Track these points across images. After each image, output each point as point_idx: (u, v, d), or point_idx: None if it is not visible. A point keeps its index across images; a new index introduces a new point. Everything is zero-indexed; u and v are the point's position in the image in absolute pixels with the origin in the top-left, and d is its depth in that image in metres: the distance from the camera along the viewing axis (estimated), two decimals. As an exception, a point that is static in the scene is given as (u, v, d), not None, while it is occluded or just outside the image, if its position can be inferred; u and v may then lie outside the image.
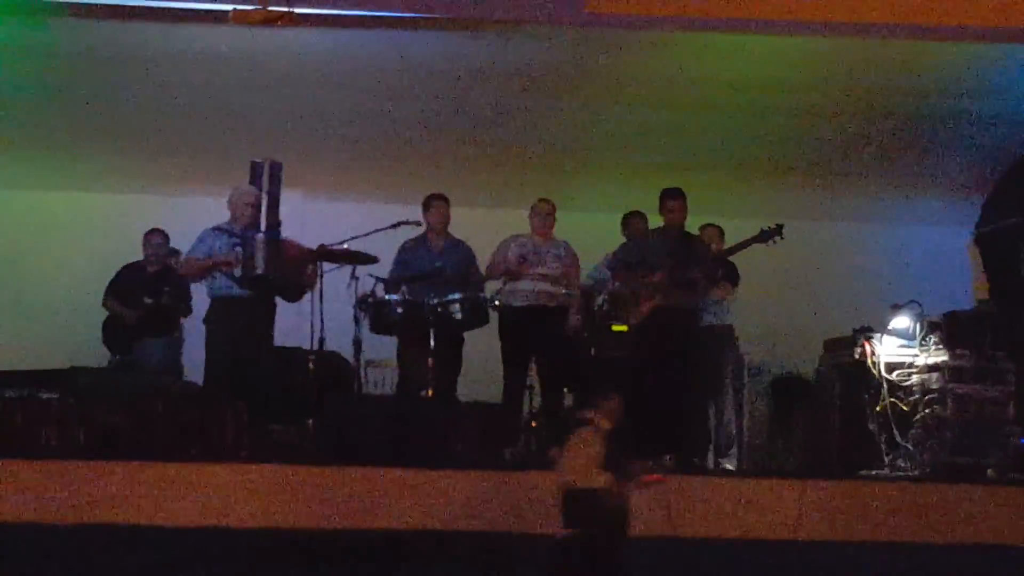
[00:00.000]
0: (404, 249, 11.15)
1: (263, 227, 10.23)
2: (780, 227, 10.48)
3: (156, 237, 12.05)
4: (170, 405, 9.55)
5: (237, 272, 10.26)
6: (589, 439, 7.79)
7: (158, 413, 9.39)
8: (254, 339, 10.32)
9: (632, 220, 11.73)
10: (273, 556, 8.47)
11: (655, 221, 11.20)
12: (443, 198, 11.16)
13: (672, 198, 10.61)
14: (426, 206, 11.16)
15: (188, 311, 11.88)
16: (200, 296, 11.09)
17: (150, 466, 8.64)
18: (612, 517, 7.59)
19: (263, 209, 10.26)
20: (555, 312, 10.87)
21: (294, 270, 10.42)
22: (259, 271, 10.17)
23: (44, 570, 8.17)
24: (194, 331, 11.40)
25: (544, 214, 11.07)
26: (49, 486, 8.47)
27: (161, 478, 8.60)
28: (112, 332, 11.96)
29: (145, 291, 11.83)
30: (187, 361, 11.85)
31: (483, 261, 11.23)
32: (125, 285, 11.98)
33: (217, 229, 10.57)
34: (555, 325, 10.82)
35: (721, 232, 11.42)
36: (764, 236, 10.50)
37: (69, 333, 12.66)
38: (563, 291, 10.96)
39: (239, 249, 10.24)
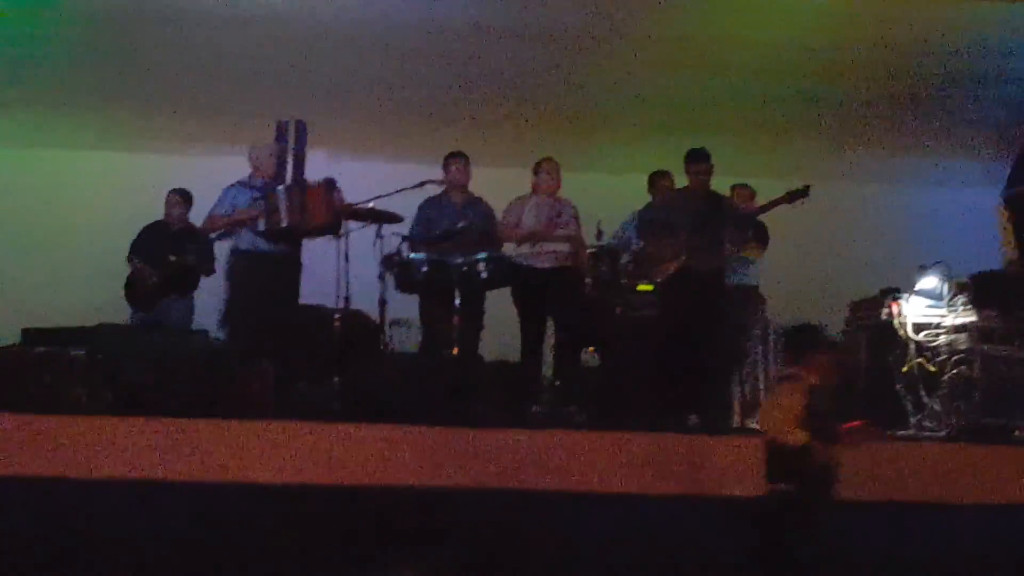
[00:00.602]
0: (425, 207, 11.12)
1: (288, 182, 10.26)
2: (807, 188, 10.43)
3: (178, 196, 12.07)
4: (197, 363, 9.58)
5: (261, 226, 10.28)
6: (790, 393, 7.43)
7: (185, 371, 9.41)
8: (279, 296, 10.36)
9: (658, 180, 11.69)
10: (297, 513, 8.48)
11: (681, 182, 11.17)
12: (462, 155, 11.14)
13: (698, 159, 10.58)
14: (446, 164, 11.13)
15: (212, 270, 11.90)
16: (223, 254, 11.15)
17: (176, 423, 8.65)
18: (814, 476, 7.27)
19: (288, 166, 10.29)
20: (573, 272, 10.86)
21: (316, 209, 10.41)
22: (283, 224, 10.19)
23: (72, 525, 8.19)
24: (208, 288, 11.53)
25: (554, 173, 11.04)
26: (77, 442, 8.49)
27: (187, 435, 8.61)
28: (135, 290, 11.99)
29: (169, 249, 11.85)
30: (202, 318, 11.91)
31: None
32: (149, 244, 12.00)
33: (238, 184, 10.60)
34: (574, 285, 10.81)
35: (752, 193, 11.39)
36: (791, 197, 10.46)
37: (94, 291, 12.70)
38: (570, 249, 10.93)
39: (261, 202, 10.26)
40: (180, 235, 11.97)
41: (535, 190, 11.06)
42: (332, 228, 10.57)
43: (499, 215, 11.10)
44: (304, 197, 10.36)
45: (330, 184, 10.53)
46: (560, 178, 11.06)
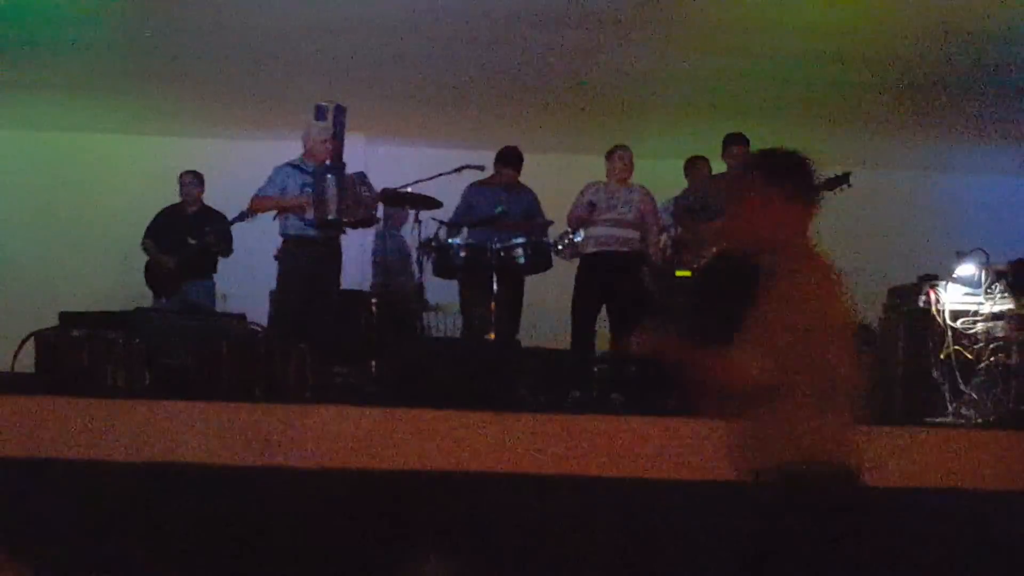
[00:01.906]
0: (469, 192, 11.16)
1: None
2: (847, 175, 10.38)
3: (192, 177, 12.10)
4: (234, 346, 9.60)
5: (309, 214, 10.34)
6: None
7: (223, 354, 9.44)
8: (321, 280, 10.42)
9: (696, 165, 11.69)
10: (333, 496, 8.50)
11: (717, 167, 11.15)
12: (515, 159, 11.19)
13: (735, 143, 10.56)
14: (497, 165, 11.18)
15: (230, 251, 11.94)
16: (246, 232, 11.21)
17: (215, 406, 8.68)
18: None
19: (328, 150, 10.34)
20: (627, 257, 10.84)
21: (356, 201, 10.48)
22: (331, 216, 10.25)
23: (111, 508, 8.22)
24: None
25: (619, 159, 11.04)
26: (115, 425, 8.52)
27: (226, 418, 8.64)
28: (155, 274, 12.03)
29: (187, 232, 11.89)
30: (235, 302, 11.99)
31: (550, 205, 11.23)
32: (166, 228, 12.06)
33: (290, 165, 10.63)
34: (627, 271, 10.79)
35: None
36: (831, 184, 10.40)
37: (125, 275, 12.77)
38: (635, 235, 10.90)
39: (309, 190, 10.32)
40: (197, 217, 12.01)
41: (608, 176, 11.06)
42: (367, 222, 10.65)
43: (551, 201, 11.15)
44: (352, 190, 10.42)
45: (360, 177, 10.58)
46: (627, 164, 11.04)
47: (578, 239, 10.73)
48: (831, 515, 4.71)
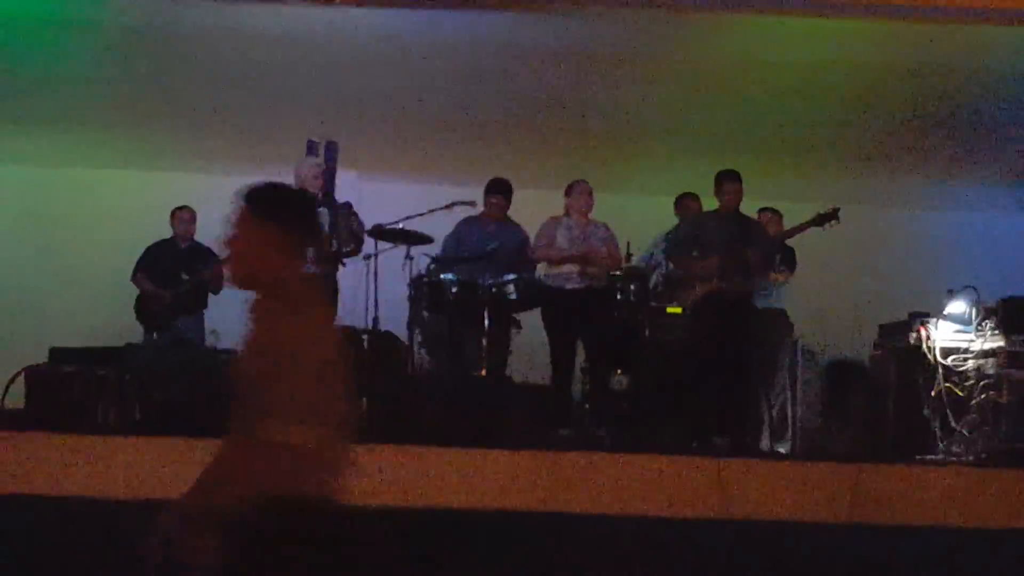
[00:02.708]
0: (460, 226, 11.17)
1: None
2: (836, 211, 10.43)
3: (186, 214, 12.11)
4: (225, 382, 9.57)
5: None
6: None
7: (214, 390, 9.42)
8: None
9: (685, 202, 11.70)
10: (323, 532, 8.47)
11: (708, 204, 11.16)
12: (503, 190, 11.18)
13: (728, 180, 10.54)
14: (487, 196, 11.18)
15: (220, 287, 11.96)
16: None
17: (205, 442, 8.64)
18: None
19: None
20: (603, 293, 10.84)
21: (352, 236, 10.53)
22: (333, 249, 10.27)
23: (102, 543, 8.19)
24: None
25: (587, 194, 11.01)
26: (106, 461, 8.50)
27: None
28: (146, 309, 12.01)
29: (180, 267, 11.90)
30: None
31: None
32: (158, 263, 12.04)
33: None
34: (604, 306, 10.79)
35: (780, 216, 11.38)
36: (820, 220, 10.45)
37: (118, 310, 12.75)
38: (614, 271, 10.91)
39: None
40: (190, 253, 12.01)
41: (568, 211, 11.04)
42: (356, 252, 10.66)
43: (530, 236, 11.12)
44: (344, 222, 10.44)
45: (348, 208, 10.60)
46: (593, 200, 11.03)
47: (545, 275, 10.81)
48: (300, 544, 4.66)
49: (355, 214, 10.66)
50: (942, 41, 10.71)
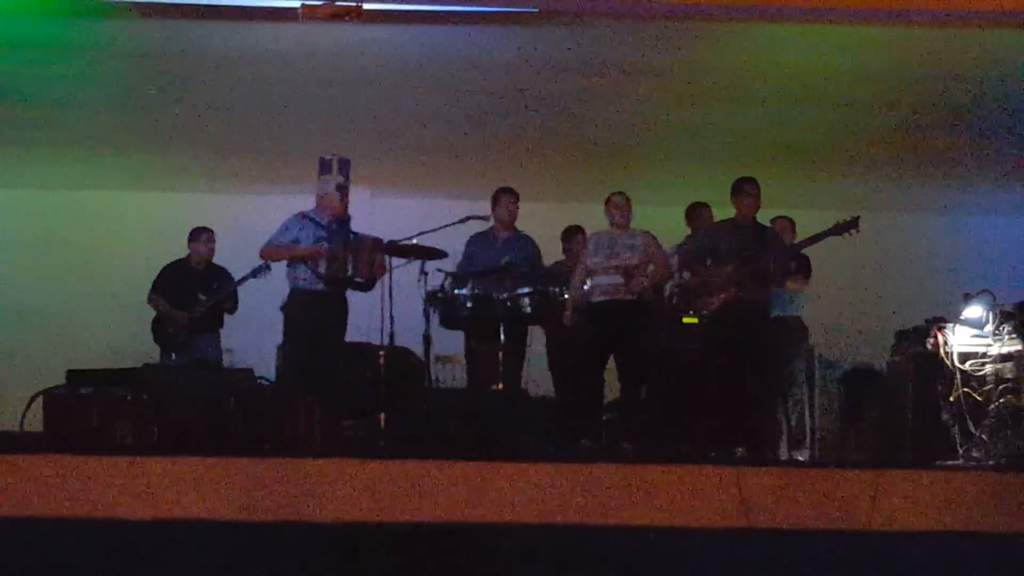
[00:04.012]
0: (471, 243, 11.18)
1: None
2: (856, 219, 10.37)
3: (205, 234, 12.12)
4: (242, 401, 9.60)
5: (321, 267, 10.37)
6: None
7: (231, 409, 9.45)
8: (329, 334, 10.43)
9: (697, 211, 11.67)
10: (343, 549, 8.49)
11: (719, 213, 11.15)
12: (512, 192, 11.17)
13: (747, 186, 10.48)
14: (495, 200, 11.18)
15: (235, 308, 11.99)
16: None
17: (224, 461, 8.67)
18: None
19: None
20: (631, 305, 10.75)
21: (369, 264, 10.54)
22: (344, 274, 10.31)
23: (120, 564, 8.21)
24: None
25: (615, 206, 10.94)
26: (124, 482, 8.51)
27: (235, 474, 8.62)
28: (162, 330, 12.04)
29: (197, 288, 11.93)
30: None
31: (552, 253, 11.23)
32: (174, 284, 12.05)
33: (303, 216, 10.67)
34: (631, 318, 10.72)
35: (793, 224, 11.36)
36: (840, 228, 10.40)
37: (129, 331, 12.80)
38: (643, 280, 10.78)
39: (325, 244, 10.37)
40: (205, 274, 12.03)
41: (609, 223, 10.97)
42: (366, 286, 10.69)
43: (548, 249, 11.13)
44: (367, 252, 10.48)
45: (378, 243, 10.63)
46: (626, 209, 10.92)
47: (585, 288, 10.73)
48: None
49: (380, 251, 10.66)
50: (959, 46, 10.68)
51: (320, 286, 10.51)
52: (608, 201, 10.93)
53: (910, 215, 14.99)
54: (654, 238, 10.96)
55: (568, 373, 11.12)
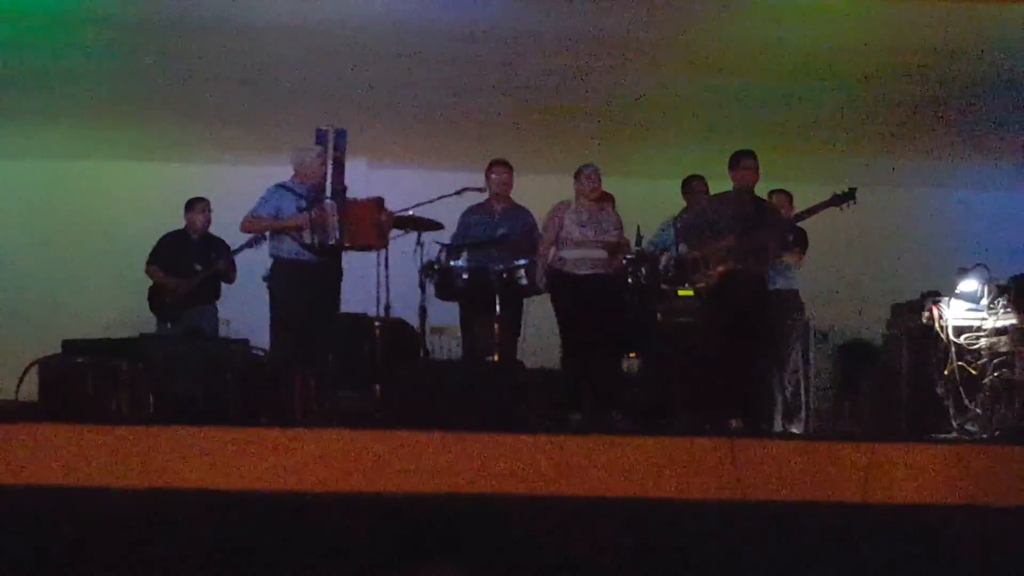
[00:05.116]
0: (466, 215, 11.17)
1: (328, 190, 10.30)
2: (853, 191, 10.33)
3: (201, 204, 12.11)
4: (238, 372, 9.61)
5: (306, 237, 10.32)
6: None
7: (227, 380, 9.46)
8: (321, 305, 10.41)
9: (693, 184, 11.66)
10: (339, 520, 8.50)
11: (715, 186, 11.14)
12: (505, 164, 11.16)
13: (745, 158, 10.46)
14: (488, 172, 11.17)
15: (233, 278, 11.98)
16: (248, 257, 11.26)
17: (220, 431, 8.68)
18: None
19: (329, 174, 10.33)
20: (614, 278, 10.80)
21: (363, 229, 10.47)
22: (331, 241, 10.25)
23: (116, 533, 8.22)
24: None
25: (591, 177, 10.90)
26: (119, 452, 8.52)
27: (231, 443, 8.63)
28: (159, 300, 12.04)
29: (195, 259, 11.93)
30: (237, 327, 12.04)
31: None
32: (171, 254, 12.05)
33: (282, 187, 10.62)
34: (615, 291, 10.77)
35: (790, 198, 11.35)
36: (837, 200, 10.36)
37: (126, 301, 12.80)
38: (623, 256, 10.87)
39: (307, 213, 10.31)
40: (202, 244, 12.02)
41: (578, 196, 10.94)
42: (377, 247, 10.61)
43: (538, 222, 11.09)
44: (354, 214, 10.39)
45: (379, 203, 10.56)
46: (601, 184, 10.94)
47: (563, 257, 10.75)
48: None
49: (385, 210, 10.60)
50: (952, 21, 10.68)
51: (306, 256, 10.45)
52: (580, 173, 10.86)
53: (906, 189, 14.99)
54: (617, 214, 11.03)
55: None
